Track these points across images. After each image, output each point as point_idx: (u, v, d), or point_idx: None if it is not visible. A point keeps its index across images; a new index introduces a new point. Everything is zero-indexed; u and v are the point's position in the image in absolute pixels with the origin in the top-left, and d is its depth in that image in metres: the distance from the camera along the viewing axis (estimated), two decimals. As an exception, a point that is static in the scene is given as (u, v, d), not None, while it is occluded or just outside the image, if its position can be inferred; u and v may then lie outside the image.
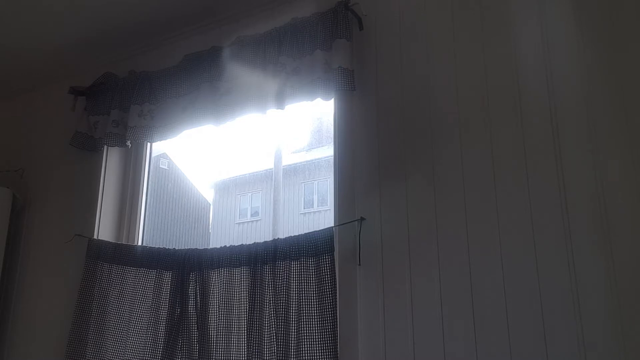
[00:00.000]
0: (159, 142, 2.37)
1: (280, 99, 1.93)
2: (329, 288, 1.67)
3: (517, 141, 1.57)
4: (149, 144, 2.54)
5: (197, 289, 1.93)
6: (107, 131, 2.30)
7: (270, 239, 1.85)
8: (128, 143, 2.30)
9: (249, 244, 1.88)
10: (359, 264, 1.71)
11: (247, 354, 1.76)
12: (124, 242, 2.37)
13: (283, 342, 1.70)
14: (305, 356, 1.64)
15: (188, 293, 1.94)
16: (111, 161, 2.47)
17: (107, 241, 2.24)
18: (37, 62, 2.64)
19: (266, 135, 2.64)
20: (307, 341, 1.66)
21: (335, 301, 1.66)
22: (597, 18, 1.54)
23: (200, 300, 1.91)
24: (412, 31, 1.83)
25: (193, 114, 2.12)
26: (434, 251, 1.61)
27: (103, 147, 2.39)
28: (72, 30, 2.39)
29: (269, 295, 1.78)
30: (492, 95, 1.64)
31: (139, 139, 2.23)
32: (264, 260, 1.81)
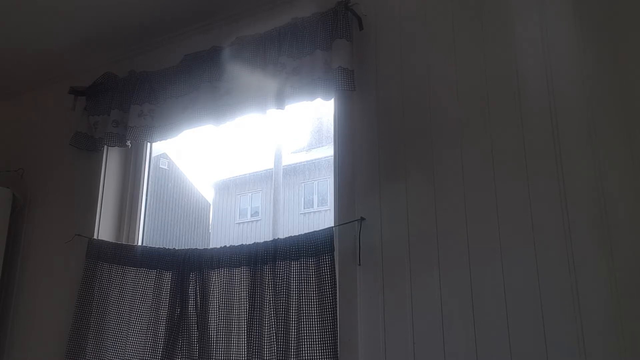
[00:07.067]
0: (159, 142, 2.37)
1: (280, 99, 1.93)
2: (329, 288, 1.67)
3: (517, 141, 1.57)
4: (149, 144, 2.54)
5: (197, 289, 1.93)
6: (107, 131, 2.30)
7: (270, 239, 1.85)
8: (128, 143, 2.31)
9: (249, 244, 1.88)
10: (359, 264, 1.71)
11: (247, 354, 1.76)
12: (124, 242, 2.37)
13: (283, 342, 1.70)
14: (305, 356, 1.64)
15: (188, 293, 1.94)
16: (111, 161, 2.47)
17: (107, 241, 2.24)
18: (37, 62, 2.64)
19: (266, 135, 2.64)
20: (307, 341, 1.66)
21: (335, 301, 1.66)
22: (597, 18, 1.53)
23: (200, 300, 1.91)
24: (412, 31, 1.83)
25: (193, 114, 2.12)
26: (434, 251, 1.61)
27: (103, 147, 2.39)
28: (72, 30, 2.39)
29: (269, 295, 1.78)
30: (492, 95, 1.64)
31: (139, 139, 2.23)
32: (264, 261, 1.81)
